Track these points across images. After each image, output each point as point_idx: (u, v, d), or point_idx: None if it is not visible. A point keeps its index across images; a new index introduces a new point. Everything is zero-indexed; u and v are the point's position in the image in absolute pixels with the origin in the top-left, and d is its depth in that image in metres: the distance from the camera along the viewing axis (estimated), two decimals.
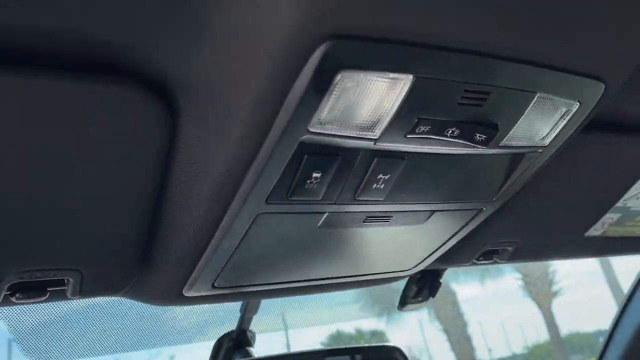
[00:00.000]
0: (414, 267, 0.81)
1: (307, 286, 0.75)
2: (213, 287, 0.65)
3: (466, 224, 0.73)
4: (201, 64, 0.44)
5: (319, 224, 0.60)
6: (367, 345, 0.87)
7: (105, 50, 0.42)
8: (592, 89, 0.58)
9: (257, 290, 0.70)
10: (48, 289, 0.57)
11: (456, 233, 0.75)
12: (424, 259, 0.80)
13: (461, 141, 0.55)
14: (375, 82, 0.46)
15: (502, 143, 0.59)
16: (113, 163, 0.48)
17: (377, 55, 0.43)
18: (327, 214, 0.59)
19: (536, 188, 0.81)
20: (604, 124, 0.78)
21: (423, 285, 1.07)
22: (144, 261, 0.62)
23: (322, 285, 0.76)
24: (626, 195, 0.88)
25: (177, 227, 0.56)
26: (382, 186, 0.57)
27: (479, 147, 0.57)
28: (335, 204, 0.57)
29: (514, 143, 0.60)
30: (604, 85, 0.58)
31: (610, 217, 0.92)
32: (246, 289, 0.68)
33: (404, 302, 1.10)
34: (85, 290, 0.59)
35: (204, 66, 0.44)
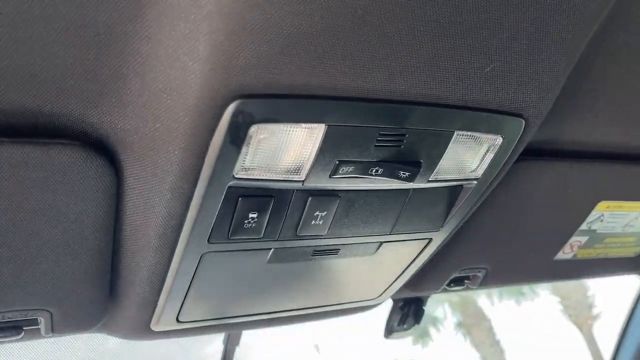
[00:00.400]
0: (380, 296, 0.85)
1: (274, 318, 0.79)
2: (178, 321, 0.70)
3: (420, 253, 0.77)
4: (132, 123, 0.50)
5: (267, 259, 0.65)
6: None
7: (47, 118, 0.49)
8: (513, 125, 0.62)
9: (223, 324, 0.75)
10: (24, 328, 0.64)
11: (413, 262, 0.78)
12: (388, 288, 0.83)
13: (386, 179, 0.59)
14: (289, 132, 0.51)
15: (432, 178, 0.63)
16: (66, 215, 0.54)
17: (285, 109, 0.48)
18: (272, 250, 0.63)
19: (497, 215, 0.85)
20: (558, 152, 0.81)
21: (407, 313, 1.10)
22: (111, 299, 0.68)
23: (289, 317, 0.80)
24: (589, 219, 0.91)
25: (134, 268, 0.62)
26: (320, 222, 0.62)
27: (407, 183, 0.61)
28: (277, 240, 0.62)
29: (444, 177, 0.64)
30: (523, 121, 0.62)
31: (578, 240, 0.94)
32: (211, 322, 0.73)
33: (389, 330, 1.13)
34: (58, 328, 0.65)
35: (134, 125, 0.50)
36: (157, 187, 0.53)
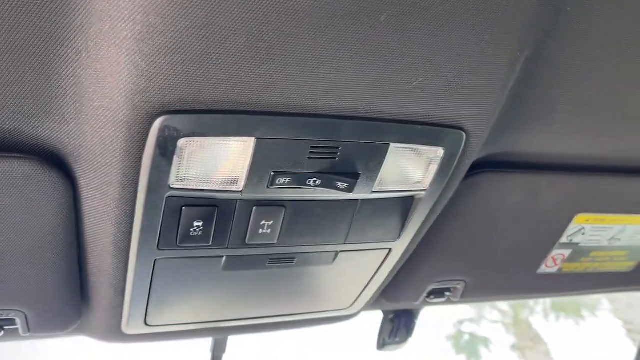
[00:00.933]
0: (351, 306, 0.87)
1: (245, 326, 0.83)
2: (147, 325, 0.75)
3: (383, 263, 0.79)
4: (76, 138, 0.55)
5: (221, 267, 0.69)
6: None
7: (1, 134, 0.55)
8: (453, 137, 0.63)
9: (193, 330, 0.80)
10: (4, 328, 0.71)
11: (377, 272, 0.80)
12: (358, 298, 0.85)
13: (325, 189, 0.62)
14: (220, 146, 0.55)
15: (376, 188, 0.65)
16: (25, 224, 0.60)
17: (211, 124, 0.52)
18: (225, 257, 0.67)
19: (467, 227, 0.85)
20: (526, 165, 0.81)
21: (398, 325, 1.11)
22: (84, 302, 0.73)
23: (260, 325, 0.84)
24: (568, 232, 0.90)
25: (97, 273, 0.67)
26: (269, 231, 0.65)
27: (348, 194, 0.64)
28: (228, 248, 0.66)
29: (389, 188, 0.66)
30: (464, 133, 0.63)
31: (561, 253, 0.93)
32: (180, 327, 0.78)
33: (382, 343, 1.14)
34: (34, 329, 0.71)
35: (79, 140, 0.55)
36: (104, 197, 0.58)
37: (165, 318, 0.75)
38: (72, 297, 0.71)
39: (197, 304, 0.74)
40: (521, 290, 1.00)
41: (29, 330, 0.71)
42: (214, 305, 0.76)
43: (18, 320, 0.69)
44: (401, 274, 0.87)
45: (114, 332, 0.76)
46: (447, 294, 0.96)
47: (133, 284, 0.67)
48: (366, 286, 0.83)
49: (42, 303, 0.69)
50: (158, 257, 0.64)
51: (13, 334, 0.72)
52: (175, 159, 0.54)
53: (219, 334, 0.84)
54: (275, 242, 0.66)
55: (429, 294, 0.95)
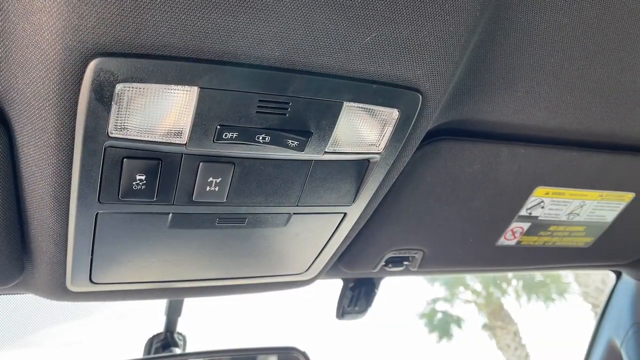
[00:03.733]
0: (306, 271, 0.86)
1: (195, 287, 0.81)
2: (92, 282, 0.73)
3: (337, 228, 0.77)
4: (6, 79, 0.52)
5: (168, 224, 0.67)
6: (271, 346, 0.92)
7: None
8: (409, 98, 0.62)
9: (142, 289, 0.78)
10: None
11: (332, 236, 0.79)
12: (313, 263, 0.84)
13: (275, 146, 0.60)
14: (161, 94, 0.52)
15: (329, 149, 0.63)
16: None
17: (150, 69, 0.49)
18: (171, 214, 0.65)
19: (425, 195, 0.84)
20: (486, 134, 0.80)
21: (358, 295, 1.11)
22: (26, 256, 0.71)
23: (211, 288, 0.82)
24: (527, 205, 0.89)
25: (37, 225, 0.65)
26: (216, 189, 0.63)
27: (301, 153, 0.62)
28: (174, 204, 0.64)
29: (342, 149, 0.65)
30: (420, 95, 0.62)
31: (520, 226, 0.93)
32: (126, 286, 0.76)
33: (342, 312, 1.14)
34: None
35: (10, 82, 0.52)
36: (40, 144, 0.56)
37: (112, 276, 0.73)
38: (12, 250, 0.69)
39: (144, 262, 0.72)
40: (480, 262, 1.00)
41: None
42: (162, 265, 0.74)
43: None
44: (358, 241, 0.86)
45: (59, 289, 0.74)
46: (406, 262, 0.95)
47: (75, 239, 0.64)
48: (321, 251, 0.81)
49: None
50: (100, 211, 0.62)
51: None
52: (113, 105, 0.51)
53: (169, 296, 0.82)
54: (224, 200, 0.65)
55: (387, 262, 0.94)
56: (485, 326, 9.42)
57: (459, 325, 9.41)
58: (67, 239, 0.65)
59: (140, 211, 0.63)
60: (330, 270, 0.91)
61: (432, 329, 9.38)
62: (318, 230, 0.77)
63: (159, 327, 1.02)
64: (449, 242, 0.93)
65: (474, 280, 9.31)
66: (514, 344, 9.12)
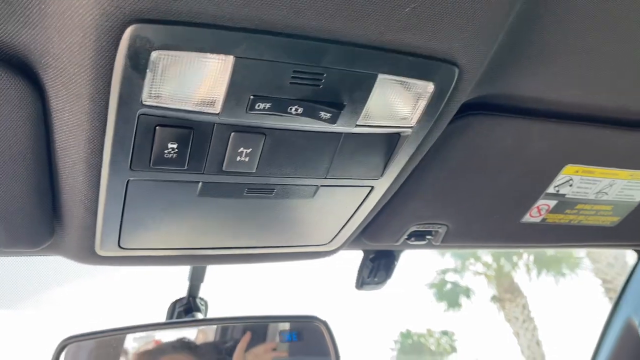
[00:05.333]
0: (330, 242, 0.86)
1: (220, 255, 0.82)
2: (120, 247, 0.74)
3: (364, 201, 0.77)
4: (42, 44, 0.52)
5: (197, 193, 0.67)
6: (292, 314, 0.93)
7: None
8: (445, 72, 0.60)
9: (168, 256, 0.79)
10: None
11: (358, 209, 0.79)
12: (337, 234, 0.84)
13: (307, 118, 0.60)
14: (196, 62, 0.51)
15: (361, 122, 0.63)
16: None
17: (186, 37, 0.48)
18: (201, 183, 0.65)
19: (453, 170, 0.83)
20: (519, 109, 0.79)
21: (377, 266, 1.11)
22: (57, 220, 0.72)
23: (236, 256, 0.83)
24: (556, 182, 0.88)
25: (68, 190, 0.66)
26: (247, 159, 0.63)
27: (332, 126, 0.61)
28: (204, 174, 0.64)
29: (374, 122, 0.64)
30: (457, 69, 0.60)
31: (546, 203, 0.92)
32: (155, 252, 0.77)
33: (361, 282, 1.15)
34: (3, 244, 0.70)
35: (45, 46, 0.52)
36: (74, 109, 0.55)
37: (140, 242, 0.74)
38: (44, 213, 0.69)
39: (172, 229, 0.73)
40: (503, 238, 0.99)
41: (4, 245, 0.70)
42: (189, 232, 0.74)
43: None
44: (383, 214, 0.86)
45: (87, 253, 0.75)
46: (428, 237, 0.95)
47: (105, 205, 0.65)
48: (346, 223, 0.81)
49: (13, 218, 0.67)
50: (131, 178, 0.62)
51: None
52: (148, 72, 0.51)
53: (195, 262, 0.83)
54: (254, 171, 0.65)
55: (410, 236, 0.94)
56: (494, 298, 9.50)
57: (468, 296, 9.51)
58: (97, 204, 0.66)
59: (171, 179, 0.64)
60: (352, 241, 0.91)
61: (440, 299, 9.49)
62: (344, 202, 0.77)
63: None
64: (474, 218, 0.93)
65: (485, 253, 9.35)
66: (522, 316, 9.21)
